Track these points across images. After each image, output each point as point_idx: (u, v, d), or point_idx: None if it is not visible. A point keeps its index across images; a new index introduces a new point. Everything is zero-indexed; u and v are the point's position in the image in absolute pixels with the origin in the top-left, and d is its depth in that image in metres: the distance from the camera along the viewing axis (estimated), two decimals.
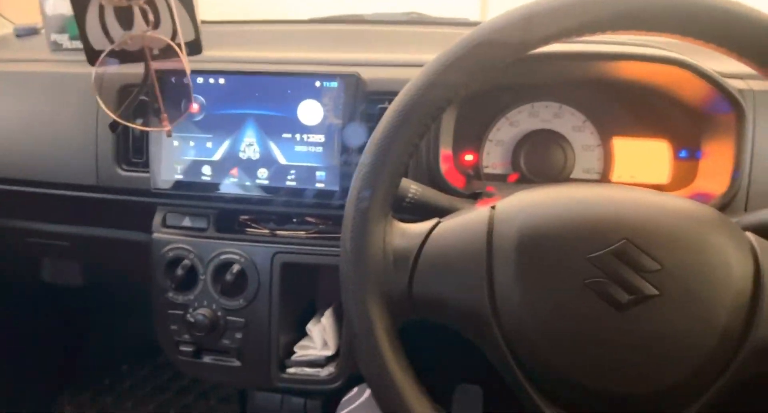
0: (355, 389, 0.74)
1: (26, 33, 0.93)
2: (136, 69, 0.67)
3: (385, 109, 0.49)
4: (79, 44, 0.64)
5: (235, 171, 0.70)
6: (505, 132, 0.75)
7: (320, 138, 0.68)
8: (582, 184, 0.48)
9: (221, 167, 0.71)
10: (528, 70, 0.71)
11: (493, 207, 0.47)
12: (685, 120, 0.69)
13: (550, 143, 0.72)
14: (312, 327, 0.76)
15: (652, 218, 0.42)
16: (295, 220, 0.74)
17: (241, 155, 0.70)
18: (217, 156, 0.71)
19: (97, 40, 0.60)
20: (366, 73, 0.70)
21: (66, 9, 0.68)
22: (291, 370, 0.75)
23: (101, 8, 0.57)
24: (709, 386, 0.41)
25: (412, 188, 0.58)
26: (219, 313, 0.73)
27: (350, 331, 0.46)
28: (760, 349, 0.40)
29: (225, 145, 0.70)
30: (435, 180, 0.68)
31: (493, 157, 0.75)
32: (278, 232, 0.73)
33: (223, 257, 0.73)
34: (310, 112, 0.68)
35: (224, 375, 0.76)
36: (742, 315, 0.40)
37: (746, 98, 0.63)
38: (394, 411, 0.44)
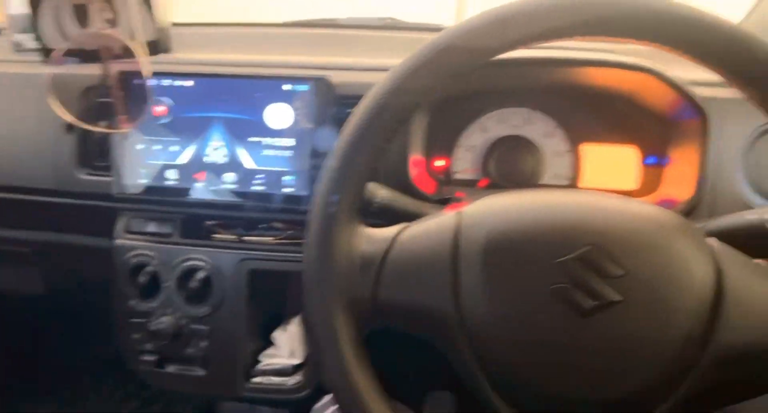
0: (327, 397, 0.73)
1: None
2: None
3: None
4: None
5: (201, 175, 0.69)
6: (476, 138, 0.74)
7: (289, 142, 0.67)
8: (549, 189, 0.48)
9: (187, 171, 0.69)
10: (499, 76, 0.71)
11: (459, 212, 0.46)
12: (652, 127, 0.69)
13: (520, 149, 0.72)
14: (279, 335, 0.74)
15: (617, 224, 0.41)
16: (263, 225, 0.72)
17: (207, 159, 0.69)
18: (183, 160, 0.69)
19: (53, 38, 0.57)
20: (336, 77, 0.69)
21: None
22: (257, 379, 0.73)
23: (58, 5, 0.55)
24: (671, 392, 0.41)
25: (379, 192, 0.58)
26: (183, 321, 0.71)
27: (313, 340, 0.44)
28: (722, 355, 0.40)
29: (191, 148, 0.69)
30: (405, 185, 0.68)
31: (464, 162, 0.75)
32: (245, 238, 0.72)
33: (188, 263, 0.71)
34: (278, 115, 0.67)
35: (189, 385, 0.74)
36: (705, 320, 0.40)
37: (711, 106, 0.63)
38: None
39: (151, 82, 0.69)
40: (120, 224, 0.74)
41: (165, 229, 0.73)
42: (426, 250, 0.44)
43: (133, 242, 0.73)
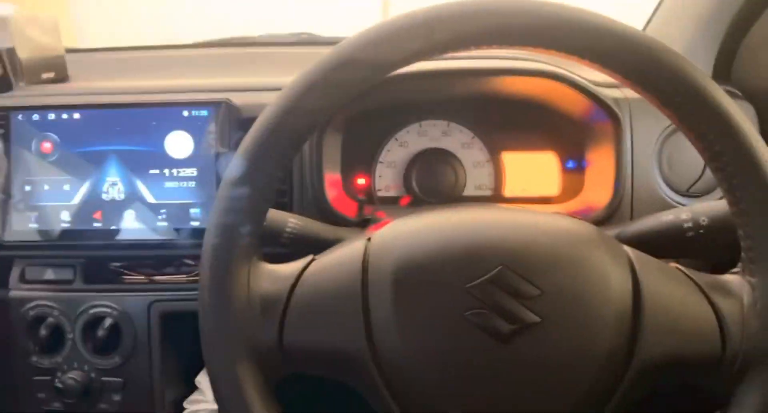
0: None
1: None
2: None
3: None
4: None
5: (98, 214, 0.63)
6: (396, 153, 0.72)
7: (192, 172, 0.62)
8: (460, 208, 0.46)
9: (83, 211, 0.63)
10: (414, 89, 0.69)
11: (369, 239, 0.43)
12: (569, 131, 0.69)
13: (440, 161, 0.70)
14: (202, 379, 0.69)
15: (528, 241, 0.39)
16: (173, 263, 0.67)
17: (104, 196, 0.63)
18: (76, 199, 0.63)
19: None
20: (240, 99, 0.65)
21: None
22: None
23: None
24: (601, 409, 0.39)
25: (290, 221, 0.54)
26: (93, 375, 0.65)
27: (216, 394, 0.40)
28: (646, 365, 0.39)
29: (85, 186, 0.63)
30: (322, 209, 0.64)
31: (386, 179, 0.73)
32: (155, 278, 0.67)
33: (92, 311, 0.65)
34: (179, 144, 0.63)
35: None
36: (626, 332, 0.39)
37: (622, 107, 0.63)
38: None
39: (34, 117, 0.63)
40: (14, 273, 0.67)
41: (65, 275, 0.66)
42: (334, 284, 0.41)
43: (31, 292, 0.66)
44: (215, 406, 0.68)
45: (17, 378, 0.67)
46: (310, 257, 0.44)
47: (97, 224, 0.63)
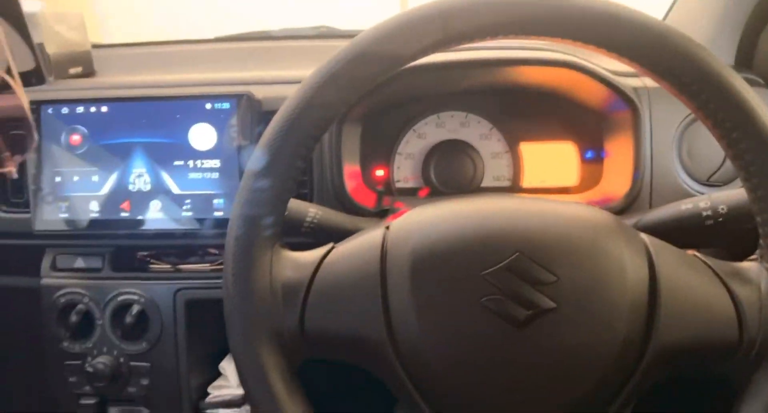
0: None
1: None
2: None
3: None
4: None
5: (126, 205, 0.65)
6: (414, 144, 0.73)
7: (215, 163, 0.64)
8: (477, 196, 0.46)
9: (110, 202, 0.65)
10: (431, 80, 0.69)
11: (387, 227, 0.44)
12: (587, 121, 0.69)
13: (458, 152, 0.70)
14: (226, 365, 0.71)
15: (544, 228, 0.40)
16: (197, 252, 0.69)
17: (131, 187, 0.65)
18: (104, 190, 0.65)
19: None
20: (261, 92, 0.66)
21: None
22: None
23: None
24: (615, 396, 0.40)
25: (311, 211, 0.55)
26: (121, 359, 0.67)
27: (241, 378, 0.42)
28: (662, 352, 0.39)
29: (113, 177, 0.65)
30: (342, 200, 0.65)
31: (404, 171, 0.73)
32: (180, 267, 0.68)
33: (120, 298, 0.67)
34: (202, 136, 0.64)
35: None
36: (642, 319, 0.39)
37: (641, 96, 0.63)
38: None
39: (63, 110, 0.65)
40: (46, 262, 0.70)
41: (94, 263, 0.69)
42: (353, 272, 0.42)
43: (61, 280, 0.69)
44: (239, 391, 0.70)
45: (49, 363, 0.69)
46: (330, 246, 0.45)
47: (124, 214, 0.65)
